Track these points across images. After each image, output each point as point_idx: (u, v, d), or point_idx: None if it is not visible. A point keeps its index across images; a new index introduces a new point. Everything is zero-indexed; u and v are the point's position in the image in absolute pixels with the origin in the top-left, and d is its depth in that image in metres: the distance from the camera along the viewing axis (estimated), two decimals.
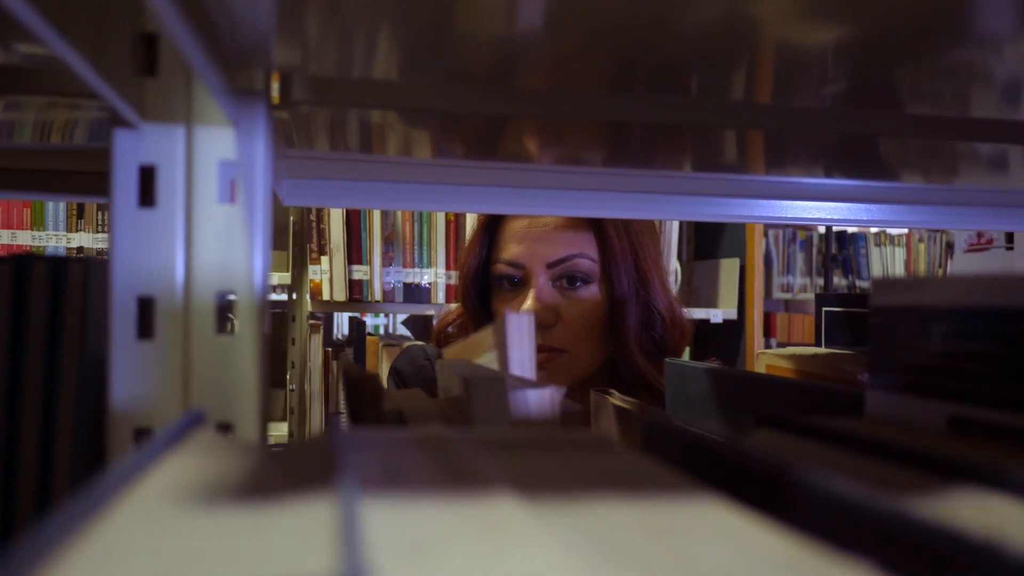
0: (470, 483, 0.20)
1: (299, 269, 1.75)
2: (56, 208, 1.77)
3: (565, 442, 0.28)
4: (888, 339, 0.37)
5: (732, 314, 1.94)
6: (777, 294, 3.40)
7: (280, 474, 0.21)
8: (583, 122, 0.51)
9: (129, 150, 0.38)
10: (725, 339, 2.01)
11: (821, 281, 3.55)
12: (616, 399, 0.63)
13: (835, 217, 0.75)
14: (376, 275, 1.75)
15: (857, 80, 0.44)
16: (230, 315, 0.39)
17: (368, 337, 1.77)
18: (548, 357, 0.96)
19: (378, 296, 1.73)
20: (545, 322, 0.95)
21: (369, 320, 2.67)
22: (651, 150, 0.63)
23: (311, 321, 1.71)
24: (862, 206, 0.75)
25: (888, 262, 3.69)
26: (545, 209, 0.69)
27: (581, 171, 0.67)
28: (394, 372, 1.05)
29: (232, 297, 0.39)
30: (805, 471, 0.21)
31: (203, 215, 0.39)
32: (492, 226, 1.01)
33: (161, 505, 0.18)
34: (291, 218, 1.78)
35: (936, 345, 0.34)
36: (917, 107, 0.50)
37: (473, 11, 0.34)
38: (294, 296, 1.70)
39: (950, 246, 3.73)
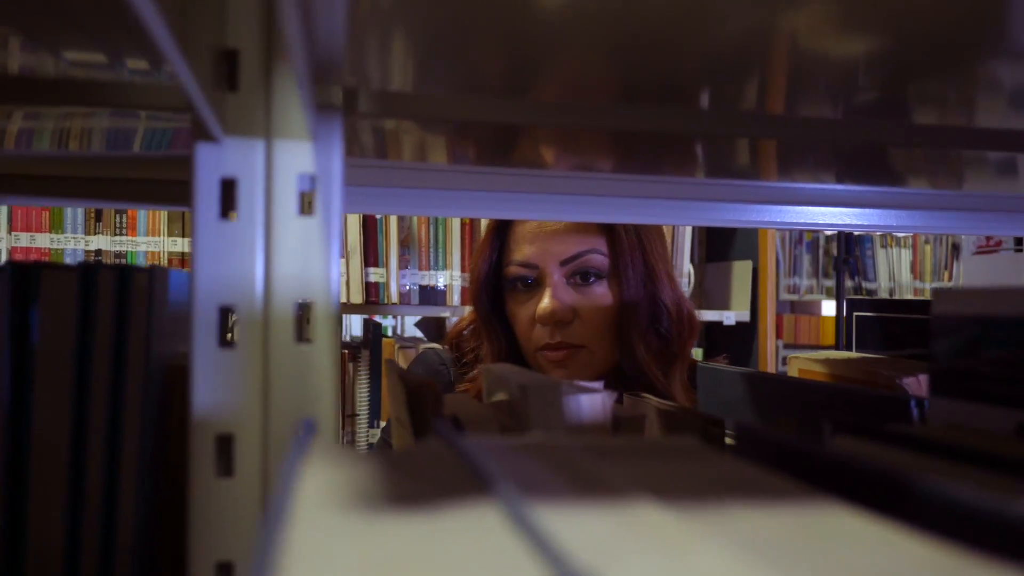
0: (605, 491, 0.21)
1: None
2: (74, 211, 1.78)
3: (663, 449, 0.29)
4: (950, 348, 0.38)
5: (745, 316, 1.95)
6: (784, 295, 3.41)
7: (419, 482, 0.22)
8: (602, 131, 0.52)
9: (211, 163, 0.39)
10: (738, 341, 2.02)
11: (828, 283, 3.56)
12: (654, 402, 0.64)
13: (845, 222, 0.76)
14: (393, 277, 1.76)
15: (869, 92, 0.45)
16: (307, 323, 0.40)
17: (384, 339, 1.78)
18: (568, 354, 0.97)
19: (394, 298, 1.74)
20: (563, 319, 0.96)
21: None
22: (664, 157, 0.64)
23: None
24: (872, 211, 0.76)
25: (894, 264, 3.70)
26: (560, 215, 0.70)
27: (595, 177, 0.69)
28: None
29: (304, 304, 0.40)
30: (923, 477, 0.22)
31: (282, 226, 0.40)
32: (502, 229, 1.02)
33: (336, 515, 0.19)
34: None
35: (1000, 353, 0.35)
36: (928, 117, 0.51)
37: (509, 34, 0.35)
38: None
39: (956, 248, 3.74)
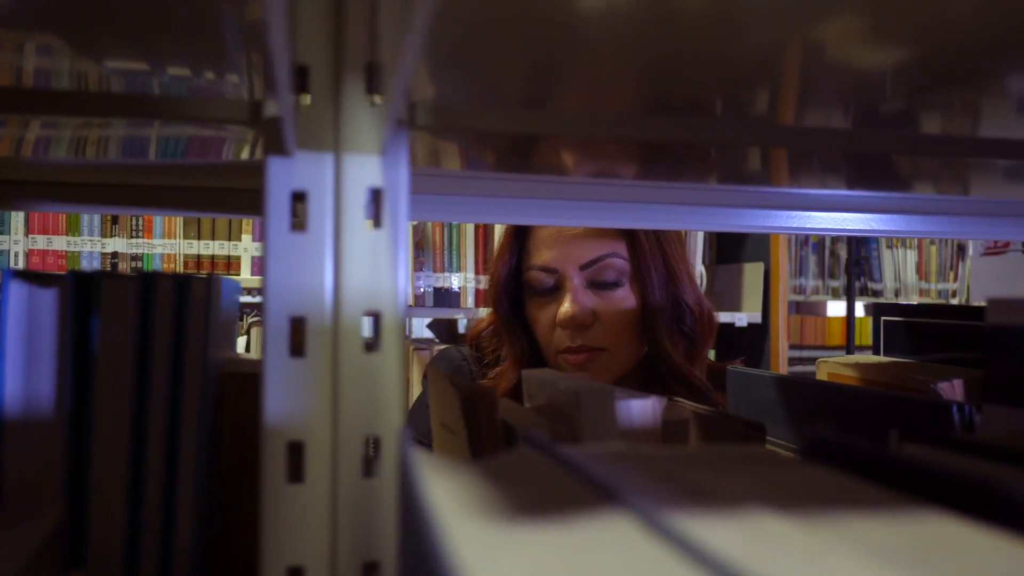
0: (719, 501, 0.22)
1: None
2: (91, 214, 1.79)
3: (745, 458, 0.30)
4: (1005, 357, 0.39)
5: (756, 318, 1.96)
6: (789, 296, 3.42)
7: (534, 491, 0.23)
8: (625, 140, 0.53)
9: (282, 177, 0.40)
10: (747, 342, 2.03)
11: (834, 284, 3.57)
12: (689, 406, 0.64)
13: (856, 228, 0.77)
14: (407, 280, 1.77)
15: (888, 102, 0.46)
16: (375, 333, 0.41)
17: None
18: (589, 357, 0.98)
19: (410, 300, 1.75)
20: (584, 323, 0.97)
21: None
22: (683, 164, 0.65)
23: None
24: (883, 216, 0.77)
25: (900, 265, 3.70)
26: (579, 220, 0.71)
27: (613, 183, 0.70)
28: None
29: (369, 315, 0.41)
30: (1011, 483, 0.23)
31: (350, 238, 0.41)
32: (521, 234, 1.03)
33: (484, 525, 0.19)
34: None
35: None
36: (949, 126, 0.52)
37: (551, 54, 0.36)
38: None
39: (961, 249, 3.75)
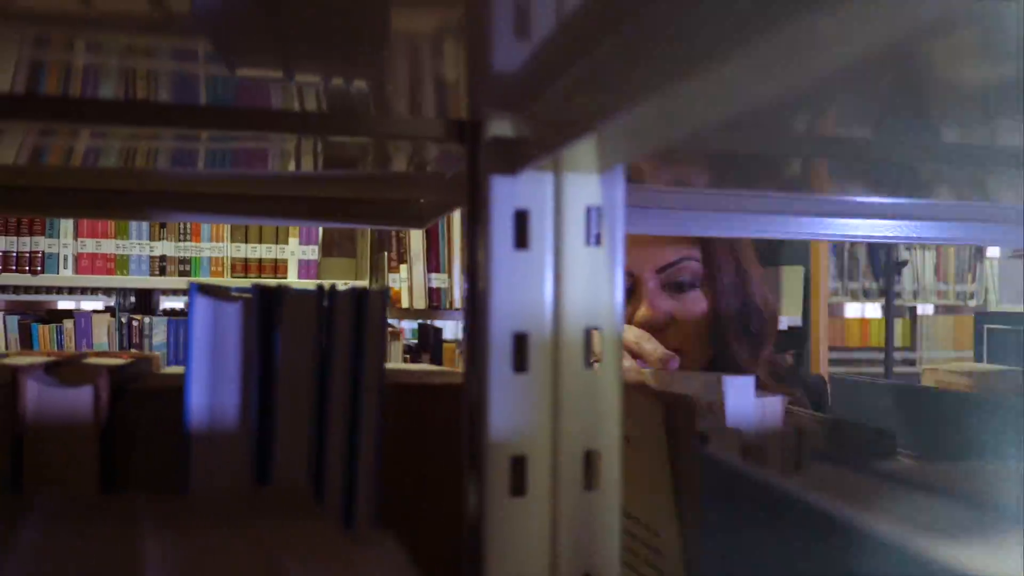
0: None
1: (377, 277, 1.78)
2: None
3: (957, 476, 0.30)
4: None
5: (796, 321, 1.98)
6: None
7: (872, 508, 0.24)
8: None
9: (506, 195, 0.41)
10: (790, 345, 2.04)
11: (852, 285, 3.59)
12: (806, 412, 0.65)
13: (894, 234, 0.77)
14: (456, 283, 1.78)
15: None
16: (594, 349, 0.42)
17: (444, 344, 1.80)
18: None
19: (457, 304, 1.76)
20: (659, 325, 0.99)
21: (407, 324, 2.69)
22: (749, 174, 0.67)
23: (389, 329, 1.74)
24: (917, 223, 0.77)
25: (918, 266, 3.72)
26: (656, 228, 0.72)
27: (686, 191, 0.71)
28: None
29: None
30: None
31: (571, 256, 0.41)
32: None
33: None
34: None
35: None
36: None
37: None
38: None
39: (979, 251, 3.77)
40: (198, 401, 0.50)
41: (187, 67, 0.42)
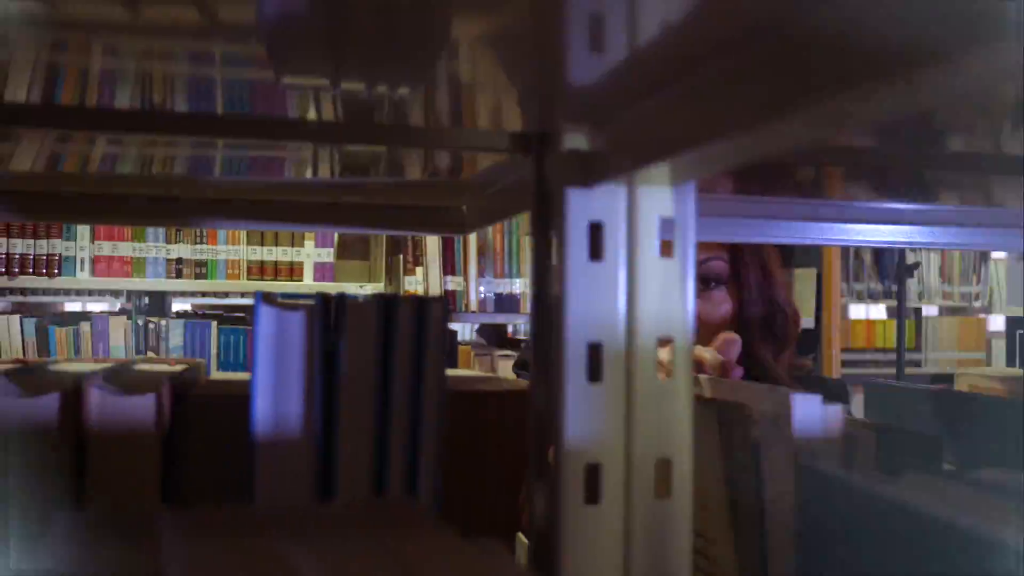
0: None
1: (393, 279, 1.78)
2: None
3: None
4: None
5: (810, 323, 1.99)
6: None
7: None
8: None
9: (581, 208, 0.41)
10: (803, 348, 2.05)
11: (858, 287, 3.60)
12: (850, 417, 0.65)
13: (906, 240, 0.78)
14: (472, 286, 1.79)
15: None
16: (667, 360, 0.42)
17: (460, 346, 1.80)
18: None
19: (473, 306, 1.77)
20: None
21: None
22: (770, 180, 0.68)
23: None
24: (927, 229, 0.78)
25: (923, 268, 3.73)
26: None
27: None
28: (520, 364, 1.09)
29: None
30: None
31: (644, 268, 0.42)
32: None
33: None
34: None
35: None
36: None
37: None
38: None
39: (984, 252, 3.77)
40: (263, 410, 0.50)
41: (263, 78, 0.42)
